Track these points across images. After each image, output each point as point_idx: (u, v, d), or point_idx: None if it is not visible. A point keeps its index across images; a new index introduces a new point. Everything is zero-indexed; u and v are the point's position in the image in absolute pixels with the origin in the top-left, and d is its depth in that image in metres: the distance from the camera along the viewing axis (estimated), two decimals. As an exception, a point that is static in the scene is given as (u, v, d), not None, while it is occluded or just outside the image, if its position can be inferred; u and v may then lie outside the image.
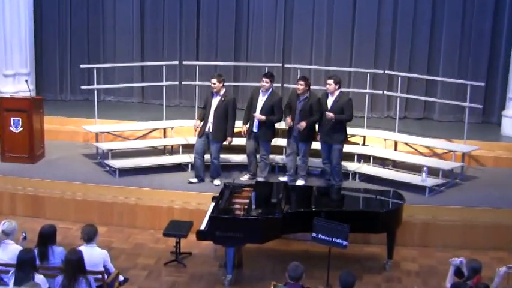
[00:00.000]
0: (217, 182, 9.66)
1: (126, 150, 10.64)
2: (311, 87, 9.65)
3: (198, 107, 11.05)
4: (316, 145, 9.77)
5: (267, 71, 10.51)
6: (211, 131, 9.46)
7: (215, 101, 9.42)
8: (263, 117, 9.46)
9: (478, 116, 12.05)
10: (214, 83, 9.37)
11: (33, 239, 6.85)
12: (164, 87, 11.23)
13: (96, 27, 13.14)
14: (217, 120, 9.41)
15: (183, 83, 12.33)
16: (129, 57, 13.04)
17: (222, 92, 9.42)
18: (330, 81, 9.35)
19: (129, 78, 12.88)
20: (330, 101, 9.38)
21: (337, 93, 9.37)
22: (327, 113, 9.28)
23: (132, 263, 8.39)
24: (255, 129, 9.60)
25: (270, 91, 9.55)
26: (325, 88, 9.58)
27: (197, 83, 11.18)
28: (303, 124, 9.40)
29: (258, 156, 9.84)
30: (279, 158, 10.34)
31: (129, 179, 9.85)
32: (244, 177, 9.77)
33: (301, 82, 9.49)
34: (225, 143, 9.52)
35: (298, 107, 9.51)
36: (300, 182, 9.75)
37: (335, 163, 9.52)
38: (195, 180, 9.73)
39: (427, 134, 11.21)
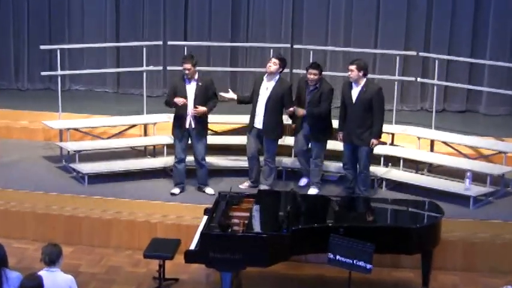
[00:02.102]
0: (209, 190, 9.74)
1: (98, 151, 10.66)
2: (327, 73, 9.70)
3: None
4: (331, 144, 9.86)
5: (272, 54, 10.61)
6: (193, 126, 9.54)
7: (191, 89, 9.53)
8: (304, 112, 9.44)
9: (536, 109, 12.34)
10: (188, 68, 9.45)
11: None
12: (145, 74, 11.28)
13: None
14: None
15: (168, 68, 12.35)
16: (101, 36, 13.14)
17: (196, 76, 9.54)
18: (352, 67, 9.31)
19: (101, 63, 12.96)
20: (355, 92, 9.38)
21: (363, 81, 9.36)
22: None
23: (105, 291, 8.43)
24: (258, 125, 9.62)
25: (277, 77, 9.60)
26: (344, 75, 9.66)
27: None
28: (301, 111, 9.47)
29: (261, 158, 9.89)
30: (287, 161, 10.37)
31: (101, 188, 9.89)
32: (244, 185, 9.81)
33: (314, 71, 9.56)
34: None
35: (307, 98, 9.63)
36: (312, 191, 9.81)
37: (362, 168, 9.54)
38: (177, 190, 9.79)
39: (470, 130, 11.27)
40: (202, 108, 9.48)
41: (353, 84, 9.37)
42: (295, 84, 9.96)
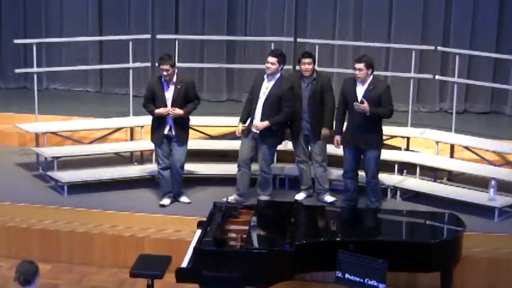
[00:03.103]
0: (185, 199, 9.89)
1: (79, 157, 10.69)
2: (334, 70, 9.72)
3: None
4: (331, 149, 9.88)
5: (272, 48, 10.54)
6: (173, 132, 9.62)
7: (169, 93, 9.57)
8: (265, 124, 9.48)
9: None
10: (167, 69, 9.46)
11: None
12: (131, 71, 11.30)
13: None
14: (179, 117, 9.57)
15: (158, 65, 12.28)
16: (83, 29, 13.15)
17: (174, 78, 9.57)
18: (361, 65, 9.30)
19: (82, 59, 13.00)
20: (360, 90, 9.38)
21: (369, 79, 9.38)
22: (356, 104, 9.24)
23: (87, 314, 8.43)
24: (255, 129, 9.63)
25: (277, 76, 9.61)
26: (353, 72, 9.57)
27: (177, 64, 10.81)
28: (327, 131, 9.54)
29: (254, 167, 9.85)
30: (290, 168, 10.39)
31: (82, 198, 9.90)
32: (231, 198, 9.65)
33: (308, 60, 9.63)
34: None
35: (306, 93, 9.65)
36: (329, 199, 9.90)
37: (371, 177, 9.54)
38: (167, 201, 9.84)
39: (495, 134, 11.31)
40: (178, 110, 9.51)
41: (358, 82, 9.39)
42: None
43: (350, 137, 9.48)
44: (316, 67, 9.85)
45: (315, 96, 9.60)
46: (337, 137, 9.59)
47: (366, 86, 9.37)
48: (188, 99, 9.60)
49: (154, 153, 10.51)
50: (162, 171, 9.76)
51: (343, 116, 9.54)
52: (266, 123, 9.48)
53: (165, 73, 9.46)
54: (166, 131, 9.61)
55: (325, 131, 9.67)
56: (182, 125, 9.65)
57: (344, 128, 9.59)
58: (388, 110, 9.32)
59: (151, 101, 9.61)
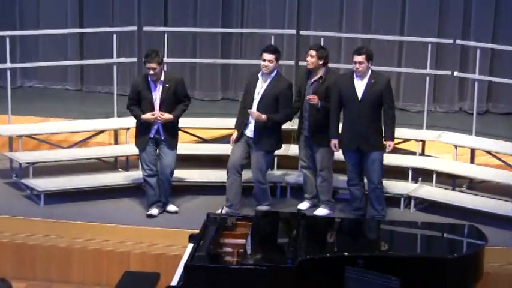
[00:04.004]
0: (172, 207, 9.95)
1: (57, 163, 10.71)
2: (342, 66, 9.76)
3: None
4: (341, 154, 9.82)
5: (273, 42, 10.57)
6: (162, 135, 9.66)
7: (157, 94, 9.62)
8: (263, 117, 9.46)
9: None
10: (154, 68, 9.47)
11: None
12: (115, 67, 11.33)
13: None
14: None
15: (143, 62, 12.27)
16: (61, 21, 13.14)
17: (162, 76, 9.61)
18: (361, 58, 9.34)
19: (61, 54, 12.98)
20: (359, 86, 9.43)
21: (369, 73, 9.45)
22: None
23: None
24: (249, 133, 9.64)
25: (274, 74, 9.63)
26: (352, 66, 9.57)
27: (166, 60, 11.04)
28: (314, 98, 9.48)
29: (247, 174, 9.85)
30: (293, 175, 10.45)
31: (60, 209, 9.91)
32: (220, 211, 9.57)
33: (312, 52, 9.62)
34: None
35: (308, 92, 9.68)
36: (321, 211, 9.82)
37: (376, 182, 9.56)
38: (155, 211, 9.85)
39: (520, 137, 11.26)
40: (167, 115, 9.54)
41: (356, 77, 9.42)
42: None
43: (349, 139, 9.52)
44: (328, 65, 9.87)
45: (317, 96, 9.58)
46: (334, 141, 9.58)
47: (365, 80, 9.43)
48: (178, 99, 9.64)
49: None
50: (149, 178, 9.76)
51: (338, 117, 9.59)
52: (263, 116, 9.43)
53: (151, 72, 9.48)
54: (153, 134, 9.64)
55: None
56: (171, 127, 9.67)
57: (340, 130, 9.65)
58: (391, 106, 9.42)
59: (136, 102, 9.64)
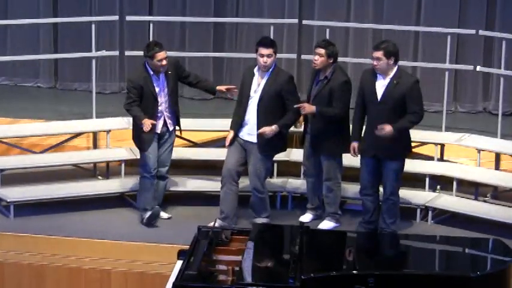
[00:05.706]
0: (163, 214, 9.97)
1: (28, 170, 10.71)
2: (349, 60, 9.75)
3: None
4: (347, 159, 9.78)
5: (272, 33, 10.68)
6: (169, 127, 9.75)
7: (162, 85, 9.62)
8: (273, 129, 9.36)
9: None
10: (165, 58, 9.53)
11: None
12: (94, 62, 11.26)
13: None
14: (172, 108, 9.74)
15: (127, 54, 12.13)
16: (32, 10, 13.12)
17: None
18: (379, 54, 9.18)
19: (32, 47, 12.95)
20: (380, 85, 9.30)
21: (393, 71, 9.29)
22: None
23: None
24: (246, 136, 9.56)
25: (271, 69, 9.56)
26: (372, 62, 9.44)
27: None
28: (304, 107, 9.37)
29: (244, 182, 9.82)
30: (295, 183, 10.43)
31: (32, 221, 9.86)
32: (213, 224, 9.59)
33: (320, 50, 9.43)
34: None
35: (313, 92, 9.65)
36: (327, 224, 9.74)
37: (389, 192, 9.45)
38: (147, 215, 9.81)
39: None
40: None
41: (378, 74, 9.35)
42: (306, 74, 10.17)
43: (367, 144, 9.45)
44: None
45: (320, 98, 9.49)
46: (354, 144, 9.50)
47: (387, 80, 9.29)
48: (178, 79, 9.77)
49: (123, 165, 10.59)
50: (153, 180, 9.73)
51: (362, 117, 9.48)
52: (274, 127, 9.34)
53: (164, 63, 9.49)
54: (158, 130, 9.65)
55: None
56: (177, 116, 9.79)
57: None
58: (414, 114, 9.18)
59: (137, 100, 9.54)
